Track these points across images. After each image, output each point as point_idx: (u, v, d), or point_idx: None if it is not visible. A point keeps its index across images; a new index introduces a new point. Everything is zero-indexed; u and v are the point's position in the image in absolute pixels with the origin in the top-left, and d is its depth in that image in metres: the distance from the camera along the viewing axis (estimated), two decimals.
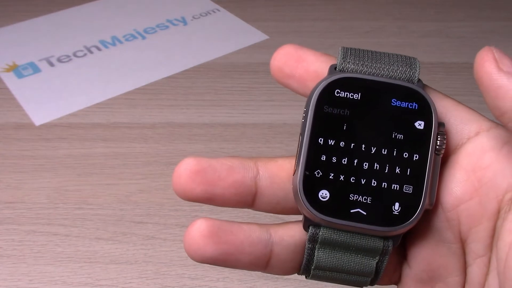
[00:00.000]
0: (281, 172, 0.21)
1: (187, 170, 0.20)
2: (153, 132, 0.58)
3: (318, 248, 0.21)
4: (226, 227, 0.20)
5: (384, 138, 0.20)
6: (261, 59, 0.68)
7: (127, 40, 0.72)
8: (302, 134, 0.20)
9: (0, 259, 0.45)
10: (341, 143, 0.20)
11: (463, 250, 0.21)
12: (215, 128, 0.58)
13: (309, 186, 0.20)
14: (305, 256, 0.21)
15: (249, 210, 0.22)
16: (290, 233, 0.21)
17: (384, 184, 0.20)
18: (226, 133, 0.58)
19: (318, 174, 0.20)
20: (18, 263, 0.45)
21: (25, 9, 0.78)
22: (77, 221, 0.48)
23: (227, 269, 0.44)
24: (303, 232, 0.21)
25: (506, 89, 0.17)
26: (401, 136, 0.20)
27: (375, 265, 0.21)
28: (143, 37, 0.73)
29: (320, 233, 0.20)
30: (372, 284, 0.22)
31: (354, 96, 0.20)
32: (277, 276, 0.42)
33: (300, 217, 0.21)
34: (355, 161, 0.20)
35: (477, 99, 0.70)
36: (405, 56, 0.21)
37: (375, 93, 0.20)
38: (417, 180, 0.20)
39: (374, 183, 0.20)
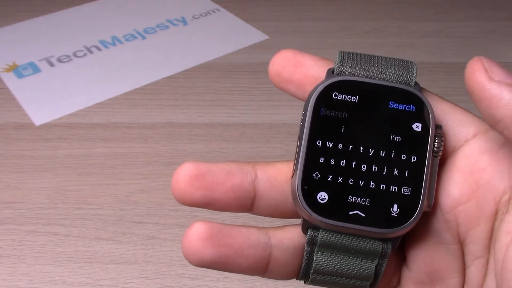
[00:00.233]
0: (280, 175, 0.21)
1: (185, 175, 0.20)
2: (153, 132, 0.58)
3: (317, 251, 0.21)
4: (225, 230, 0.20)
5: (382, 140, 0.20)
6: (261, 59, 0.68)
7: (127, 40, 0.72)
8: (300, 137, 0.20)
9: (0, 259, 0.45)
10: (339, 146, 0.20)
11: (461, 252, 0.21)
12: (215, 128, 0.58)
13: (308, 188, 0.20)
14: (304, 259, 0.21)
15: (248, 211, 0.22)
16: (289, 236, 0.21)
17: (383, 186, 0.20)
18: (226, 133, 0.58)
19: (316, 177, 0.20)
20: (18, 263, 0.45)
21: (25, 9, 0.78)
22: (77, 221, 0.48)
23: None
24: (302, 235, 0.21)
25: (498, 98, 0.18)
26: (399, 138, 0.20)
27: (374, 268, 0.20)
28: (143, 37, 0.73)
29: (319, 235, 0.20)
30: None
31: (352, 98, 0.20)
32: None
33: (299, 221, 0.21)
34: (354, 163, 0.20)
35: None
36: (402, 59, 0.21)
37: (373, 95, 0.20)
38: (415, 182, 0.20)
39: (372, 185, 0.20)
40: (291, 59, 0.21)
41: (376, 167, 0.20)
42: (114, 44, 0.71)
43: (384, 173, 0.20)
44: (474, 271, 0.21)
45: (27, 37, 0.73)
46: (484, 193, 0.20)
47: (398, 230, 0.20)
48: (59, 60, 0.68)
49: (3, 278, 0.43)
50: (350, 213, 0.20)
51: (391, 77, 0.21)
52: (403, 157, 0.20)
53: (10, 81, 0.65)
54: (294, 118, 0.59)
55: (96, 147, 0.56)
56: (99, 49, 0.70)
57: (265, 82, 0.64)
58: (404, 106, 0.20)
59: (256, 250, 0.21)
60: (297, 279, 0.22)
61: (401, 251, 0.22)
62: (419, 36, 0.74)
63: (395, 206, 0.20)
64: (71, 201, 0.50)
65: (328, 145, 0.20)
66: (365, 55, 0.21)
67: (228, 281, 0.43)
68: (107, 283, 0.43)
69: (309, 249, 0.21)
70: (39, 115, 0.60)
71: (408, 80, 0.21)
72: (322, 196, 0.20)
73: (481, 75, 0.18)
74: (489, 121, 0.19)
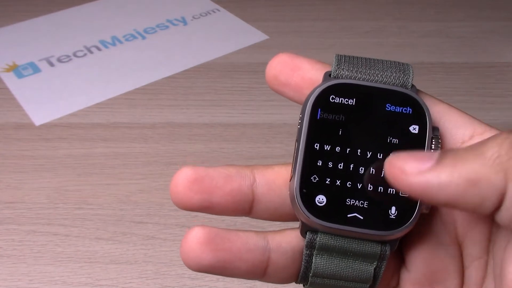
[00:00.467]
0: (278, 178, 0.21)
1: (184, 180, 0.20)
2: (153, 132, 0.58)
3: (316, 254, 0.21)
4: (223, 234, 0.21)
5: (379, 143, 0.20)
6: (261, 59, 0.68)
7: (127, 40, 0.72)
8: (298, 140, 0.20)
9: (0, 259, 0.45)
10: (336, 148, 0.20)
11: (460, 253, 0.21)
12: (215, 128, 0.58)
13: (306, 191, 0.20)
14: (303, 262, 0.21)
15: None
16: (287, 239, 0.21)
17: (380, 189, 0.20)
18: (226, 133, 0.58)
19: (314, 180, 0.20)
20: (18, 263, 0.45)
21: (25, 9, 0.78)
22: (77, 221, 0.48)
23: None
24: (301, 238, 0.21)
25: (429, 188, 0.17)
26: (396, 141, 0.20)
27: (373, 270, 0.20)
28: (143, 37, 0.73)
29: (318, 238, 0.20)
30: None
31: (349, 101, 0.20)
32: None
33: (298, 224, 0.21)
34: (351, 166, 0.20)
35: (478, 99, 0.71)
36: (398, 62, 0.21)
37: (370, 98, 0.20)
38: None
39: (370, 187, 0.20)
40: (288, 63, 0.21)
41: (373, 170, 0.20)
42: (114, 44, 0.71)
43: (382, 175, 0.20)
44: (473, 272, 0.21)
45: (27, 37, 0.73)
46: None
47: (396, 233, 0.20)
48: (59, 60, 0.68)
49: (3, 278, 0.43)
50: (348, 215, 0.20)
51: (387, 80, 0.21)
52: None
53: (10, 81, 0.65)
54: (294, 118, 0.59)
55: (96, 147, 0.56)
56: (99, 49, 0.70)
57: (265, 82, 0.64)
58: (401, 108, 0.20)
59: (255, 254, 0.21)
60: (296, 282, 0.22)
61: (399, 253, 0.22)
62: (419, 36, 0.74)
63: (393, 209, 0.20)
64: (71, 201, 0.50)
65: (325, 148, 0.20)
66: (361, 58, 0.21)
67: (228, 281, 0.43)
68: (107, 283, 0.43)
69: (308, 252, 0.21)
70: (39, 115, 0.60)
71: (404, 82, 0.21)
72: (321, 199, 0.20)
73: (401, 176, 0.18)
74: (440, 206, 0.19)
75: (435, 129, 0.20)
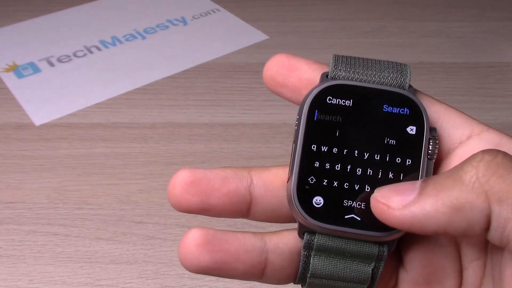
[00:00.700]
0: (275, 180, 0.21)
1: (181, 182, 0.21)
2: (153, 132, 0.58)
3: (314, 255, 0.21)
4: (221, 235, 0.21)
5: (377, 144, 0.20)
6: (261, 59, 0.68)
7: (127, 40, 0.72)
8: (295, 142, 0.20)
9: (0, 259, 0.45)
10: (334, 150, 0.20)
11: (459, 253, 0.21)
12: (215, 128, 0.58)
13: (303, 193, 0.20)
14: (300, 263, 0.21)
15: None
16: (284, 240, 0.21)
17: None
18: (226, 133, 0.58)
19: (312, 181, 0.20)
20: (18, 263, 0.45)
21: (25, 9, 0.78)
22: (77, 221, 0.48)
23: None
24: (298, 239, 0.21)
25: (417, 221, 0.17)
26: (393, 142, 0.20)
27: (370, 271, 0.20)
28: (143, 37, 0.73)
29: (315, 239, 0.20)
30: None
31: (346, 102, 0.20)
32: None
33: (295, 225, 0.21)
34: (349, 167, 0.20)
35: (478, 99, 0.71)
36: (396, 62, 0.21)
37: (367, 99, 0.20)
38: None
39: (367, 188, 0.20)
40: (285, 64, 0.21)
41: (371, 171, 0.20)
42: (114, 44, 0.71)
43: (379, 176, 0.20)
44: (471, 273, 0.21)
45: (27, 37, 0.73)
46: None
47: (394, 234, 0.20)
48: (59, 60, 0.68)
49: (3, 278, 0.43)
50: (346, 217, 0.20)
51: (385, 81, 0.21)
52: (398, 160, 0.20)
53: (10, 81, 0.65)
54: (294, 118, 0.59)
55: (96, 147, 0.56)
56: (99, 49, 0.70)
57: None
58: (398, 109, 0.20)
59: (252, 255, 0.21)
60: (294, 283, 0.22)
61: (397, 253, 0.22)
62: (419, 36, 0.74)
63: None
64: (71, 201, 0.50)
65: (323, 150, 0.20)
66: (359, 58, 0.21)
67: (228, 281, 0.43)
68: (107, 283, 0.43)
69: (305, 253, 0.21)
70: (39, 115, 0.60)
71: (402, 83, 0.21)
72: (318, 201, 0.20)
73: (388, 213, 0.18)
74: (432, 235, 0.19)
75: (432, 129, 0.20)
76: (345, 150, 0.20)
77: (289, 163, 0.21)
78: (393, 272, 0.22)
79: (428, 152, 0.20)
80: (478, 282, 0.21)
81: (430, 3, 0.81)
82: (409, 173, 0.20)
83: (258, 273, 0.21)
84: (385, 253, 0.20)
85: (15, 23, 0.75)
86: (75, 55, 0.69)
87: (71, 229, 0.47)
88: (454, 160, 0.21)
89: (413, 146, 0.20)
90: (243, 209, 0.21)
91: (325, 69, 0.21)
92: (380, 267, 0.21)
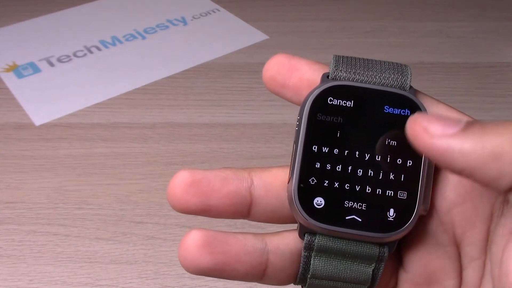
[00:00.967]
0: (276, 181, 0.21)
1: (181, 183, 0.20)
2: (153, 132, 0.58)
3: (314, 256, 0.21)
4: (221, 237, 0.20)
5: (378, 145, 0.20)
6: (261, 59, 0.68)
7: (127, 40, 0.72)
8: (296, 142, 0.20)
9: (0, 259, 0.45)
10: (335, 151, 0.20)
11: (458, 253, 0.21)
12: (215, 128, 0.58)
13: (304, 193, 0.20)
14: (301, 264, 0.21)
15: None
16: (285, 241, 0.21)
17: (379, 191, 0.20)
18: (226, 133, 0.58)
19: (312, 182, 0.20)
20: (18, 263, 0.45)
21: (25, 9, 0.78)
22: (77, 221, 0.48)
23: None
24: (299, 240, 0.21)
25: (449, 153, 0.17)
26: (394, 143, 0.20)
27: (371, 272, 0.21)
28: (143, 37, 0.73)
29: (316, 240, 0.20)
30: None
31: (347, 103, 0.20)
32: None
33: (296, 226, 0.21)
34: (349, 168, 0.20)
35: (478, 99, 0.70)
36: (396, 63, 0.21)
37: (368, 100, 0.20)
38: (411, 186, 0.20)
39: (368, 189, 0.20)
40: (285, 64, 0.21)
41: (372, 172, 0.20)
42: (114, 44, 0.71)
43: (380, 177, 0.20)
44: (471, 273, 0.21)
45: (27, 37, 0.73)
46: (479, 195, 0.20)
47: (395, 235, 0.20)
48: (59, 60, 0.68)
49: (3, 278, 0.43)
50: (346, 218, 0.20)
51: (385, 81, 0.21)
52: (399, 161, 0.20)
53: (10, 81, 0.65)
54: (294, 118, 0.59)
55: (96, 147, 0.56)
56: (99, 49, 0.70)
57: None
58: (399, 110, 0.20)
59: (253, 257, 0.21)
60: (294, 284, 0.22)
61: (397, 254, 0.22)
62: (419, 36, 0.74)
63: (392, 211, 0.20)
64: (71, 201, 0.50)
65: (324, 150, 0.20)
66: (359, 59, 0.21)
67: (228, 281, 0.43)
68: (107, 283, 0.43)
69: (306, 254, 0.21)
70: (39, 115, 0.60)
71: (402, 84, 0.21)
72: (319, 201, 0.20)
73: (423, 136, 0.18)
74: (454, 173, 0.18)
75: None
76: (346, 151, 0.20)
77: (289, 164, 0.21)
78: (393, 272, 0.22)
79: None
80: (478, 282, 0.20)
81: (430, 3, 0.81)
82: (410, 174, 0.20)
83: (258, 274, 0.21)
84: (385, 254, 0.20)
85: (15, 23, 0.75)
86: (75, 55, 0.69)
87: (71, 229, 0.47)
88: None
89: (413, 147, 0.20)
90: (244, 210, 0.21)
91: (326, 70, 0.21)
92: (381, 268, 0.21)
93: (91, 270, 0.44)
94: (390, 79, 0.21)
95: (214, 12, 0.78)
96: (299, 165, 0.20)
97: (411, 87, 0.21)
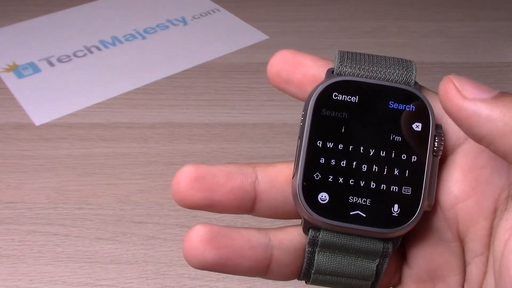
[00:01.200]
0: (280, 176, 0.21)
1: (186, 178, 0.20)
2: (153, 132, 0.58)
3: (318, 251, 0.21)
4: (225, 232, 0.20)
5: (382, 140, 0.20)
6: (261, 59, 0.68)
7: (127, 40, 0.72)
8: (300, 138, 0.20)
9: (0, 259, 0.45)
10: (339, 146, 0.20)
11: (462, 249, 0.21)
12: (215, 128, 0.58)
13: (309, 189, 0.20)
14: (305, 259, 0.21)
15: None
16: (289, 236, 0.21)
17: (383, 186, 0.20)
18: (226, 133, 0.58)
19: (317, 177, 0.20)
20: (18, 263, 0.45)
21: (25, 9, 0.78)
22: (77, 221, 0.48)
23: None
24: (303, 235, 0.21)
25: (477, 116, 0.17)
26: (399, 138, 0.20)
27: (375, 268, 0.21)
28: (143, 37, 0.73)
29: (320, 236, 0.20)
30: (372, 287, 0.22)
31: (352, 99, 0.20)
32: None
33: (300, 221, 0.21)
34: (354, 163, 0.20)
35: None
36: (401, 59, 0.21)
37: (372, 95, 0.20)
38: (415, 182, 0.20)
39: (373, 185, 0.20)
40: (289, 60, 0.21)
41: (376, 167, 0.20)
42: (114, 44, 0.71)
43: (385, 173, 0.20)
44: (474, 268, 0.21)
45: (27, 37, 0.73)
46: (483, 191, 0.20)
47: (399, 230, 0.20)
48: (59, 60, 0.68)
49: (3, 278, 0.43)
50: (351, 213, 0.20)
51: (390, 77, 0.21)
52: (404, 157, 0.20)
53: (10, 81, 0.65)
54: (294, 118, 0.59)
55: (96, 147, 0.56)
56: (99, 49, 0.70)
57: (265, 82, 0.64)
58: (404, 106, 0.20)
59: (257, 252, 0.21)
60: (298, 279, 0.22)
61: (401, 249, 0.22)
62: (419, 36, 0.74)
63: (396, 206, 0.20)
64: (71, 201, 0.50)
65: (328, 146, 0.20)
66: (364, 54, 0.21)
67: (228, 281, 0.43)
68: (107, 283, 0.43)
69: (310, 249, 0.21)
70: (39, 115, 0.60)
71: (407, 79, 0.21)
72: (323, 197, 0.20)
73: (455, 96, 0.18)
74: (473, 138, 0.19)
75: (438, 126, 0.20)
76: (350, 147, 0.20)
77: (294, 159, 0.21)
78: (396, 268, 0.22)
79: (433, 149, 0.20)
80: (481, 277, 0.21)
81: (430, 3, 0.81)
82: (415, 170, 0.20)
83: (262, 269, 0.21)
84: (389, 250, 0.20)
85: (15, 23, 0.75)
86: (75, 55, 0.69)
87: (71, 229, 0.47)
88: (459, 156, 0.21)
89: (418, 142, 0.20)
90: (248, 205, 0.21)
91: (331, 65, 0.21)
92: (385, 264, 0.21)
93: (91, 270, 0.44)
94: (395, 74, 0.21)
95: (214, 12, 0.78)
96: (303, 160, 0.20)
97: (416, 82, 0.21)
